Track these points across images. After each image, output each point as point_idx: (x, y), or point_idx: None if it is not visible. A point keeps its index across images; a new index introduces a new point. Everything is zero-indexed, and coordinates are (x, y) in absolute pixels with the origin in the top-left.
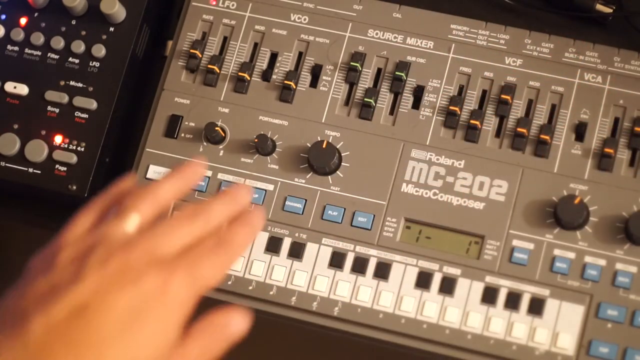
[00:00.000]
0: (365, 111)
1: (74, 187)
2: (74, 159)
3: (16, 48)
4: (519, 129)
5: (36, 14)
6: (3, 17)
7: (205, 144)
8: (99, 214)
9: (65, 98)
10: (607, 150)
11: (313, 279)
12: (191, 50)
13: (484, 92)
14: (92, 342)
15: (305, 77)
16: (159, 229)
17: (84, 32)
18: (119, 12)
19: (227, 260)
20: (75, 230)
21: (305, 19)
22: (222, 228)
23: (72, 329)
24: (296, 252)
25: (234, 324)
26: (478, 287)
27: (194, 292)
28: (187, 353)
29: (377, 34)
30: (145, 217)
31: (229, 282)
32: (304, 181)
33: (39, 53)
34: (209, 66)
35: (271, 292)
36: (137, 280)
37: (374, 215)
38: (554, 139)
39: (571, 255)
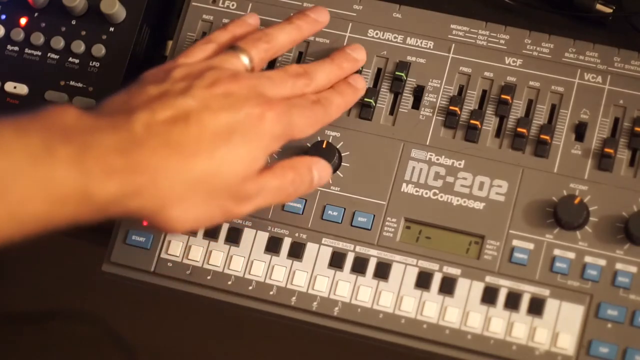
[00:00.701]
0: (365, 111)
1: None
2: None
3: (16, 48)
4: (519, 129)
5: (36, 14)
6: (3, 17)
7: None
8: (215, 48)
9: (65, 98)
10: (607, 150)
11: (313, 279)
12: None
13: (484, 92)
14: (184, 146)
15: None
16: (266, 74)
17: (84, 32)
18: (119, 12)
19: (321, 119)
20: (191, 56)
21: None
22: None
23: (171, 131)
24: (296, 252)
25: (318, 170)
26: (478, 287)
27: (284, 133)
28: (262, 183)
29: (377, 34)
30: (256, 60)
31: (229, 282)
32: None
33: (39, 53)
34: None
35: (271, 292)
36: (239, 105)
37: (374, 215)
38: (554, 139)
39: (571, 255)
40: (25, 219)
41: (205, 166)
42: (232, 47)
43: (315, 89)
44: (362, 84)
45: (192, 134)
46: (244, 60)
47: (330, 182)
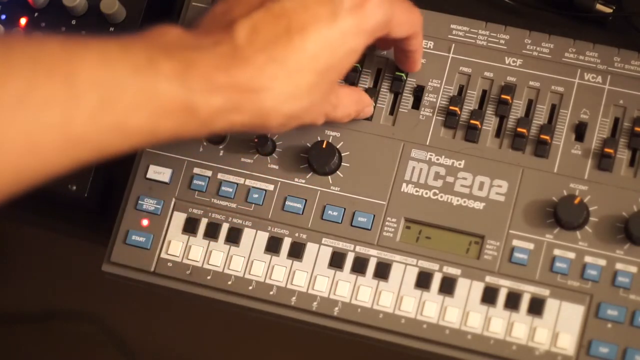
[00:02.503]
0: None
1: (74, 187)
2: None
3: None
4: (519, 129)
5: (36, 14)
6: (3, 17)
7: (205, 144)
8: None
9: None
10: (607, 150)
11: (313, 279)
12: None
13: (484, 92)
14: (288, 60)
15: None
16: None
17: (84, 32)
18: (119, 12)
19: (417, 24)
20: None
21: None
22: None
23: (273, 43)
24: (296, 252)
25: (368, 104)
26: (478, 287)
27: (384, 22)
28: (343, 97)
29: None
30: None
31: (229, 282)
32: (304, 181)
33: None
34: None
35: (271, 292)
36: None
37: (374, 215)
38: (554, 139)
39: (571, 255)
40: (131, 131)
41: (309, 78)
42: None
43: None
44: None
45: (295, 45)
46: None
47: (330, 182)
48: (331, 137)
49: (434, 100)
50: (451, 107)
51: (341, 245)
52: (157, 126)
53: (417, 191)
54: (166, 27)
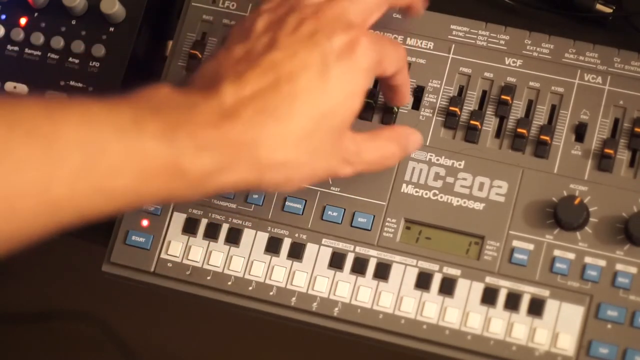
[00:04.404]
0: (366, 111)
1: None
2: None
3: (16, 48)
4: (519, 130)
5: (36, 14)
6: (3, 17)
7: None
8: None
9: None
10: (607, 151)
11: (313, 279)
12: (191, 51)
13: (484, 92)
14: (278, 109)
15: None
16: None
17: (84, 32)
18: (119, 12)
19: (403, 59)
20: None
21: None
22: None
23: (261, 95)
24: (296, 252)
25: (413, 138)
26: (478, 288)
27: (377, 63)
28: (361, 146)
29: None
30: None
31: (229, 283)
32: None
33: (39, 53)
34: None
35: (271, 293)
36: (327, 40)
37: (374, 216)
38: (554, 139)
39: (571, 256)
40: (114, 193)
41: (302, 125)
42: None
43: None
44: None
45: (284, 94)
46: None
47: (330, 182)
48: None
49: (434, 100)
50: (451, 108)
51: (341, 245)
52: (143, 188)
53: (417, 192)
54: (155, 88)
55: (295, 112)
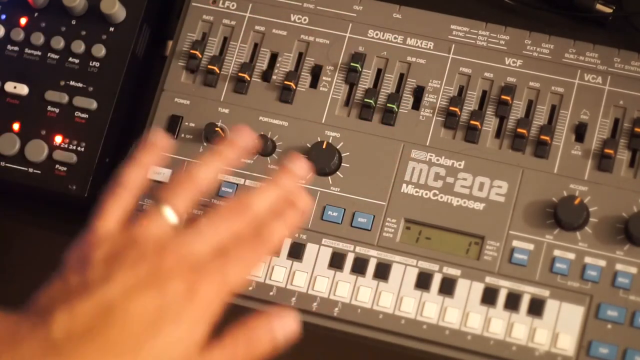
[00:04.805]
0: (365, 112)
1: (74, 187)
2: (74, 159)
3: (16, 48)
4: (519, 130)
5: (36, 14)
6: (3, 17)
7: (205, 144)
8: (131, 198)
9: (65, 98)
10: (607, 151)
11: (313, 279)
12: (191, 51)
13: (484, 92)
14: (109, 347)
15: (305, 77)
16: (196, 227)
17: (84, 32)
18: (119, 12)
19: (260, 259)
20: (108, 221)
21: (305, 20)
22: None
23: (93, 331)
24: (296, 252)
25: (281, 326)
26: (478, 288)
27: (223, 295)
28: (212, 358)
29: (377, 34)
30: (182, 210)
31: None
32: (304, 181)
33: (39, 53)
34: (209, 67)
35: (271, 293)
36: (164, 284)
37: (374, 216)
38: (554, 139)
39: (571, 256)
40: None
41: (132, 356)
42: (155, 201)
43: (257, 215)
44: (307, 203)
45: (116, 331)
46: (169, 216)
47: (330, 182)
48: (331, 138)
49: (434, 100)
50: (451, 108)
51: (341, 245)
52: None
53: (417, 192)
54: None
55: (127, 354)
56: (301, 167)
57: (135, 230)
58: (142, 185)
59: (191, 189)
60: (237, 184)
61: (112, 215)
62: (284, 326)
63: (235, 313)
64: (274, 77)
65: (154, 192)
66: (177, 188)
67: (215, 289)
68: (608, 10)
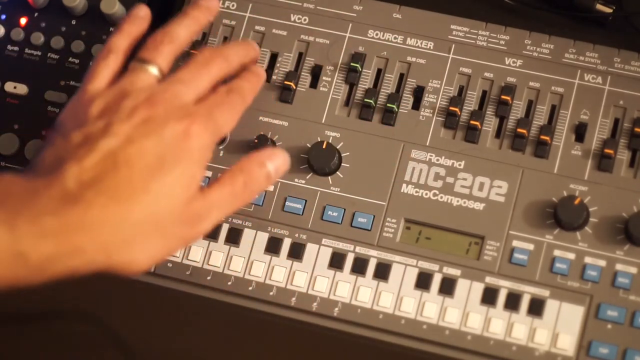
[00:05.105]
0: (365, 112)
1: None
2: None
3: (16, 48)
4: (519, 130)
5: (36, 14)
6: (3, 17)
7: None
8: (118, 59)
9: (65, 98)
10: (607, 151)
11: (313, 279)
12: (192, 51)
13: (484, 92)
14: (118, 191)
15: (306, 77)
16: (178, 77)
17: (84, 32)
18: (119, 12)
19: (240, 107)
20: (97, 77)
21: (305, 20)
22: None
23: (102, 179)
24: (296, 252)
25: (272, 161)
26: (478, 288)
27: (214, 136)
28: (210, 198)
29: (377, 34)
30: (164, 65)
31: (229, 283)
32: (304, 182)
33: (39, 53)
34: None
35: (271, 293)
36: (161, 129)
37: (374, 216)
38: (554, 139)
39: (571, 256)
40: None
41: (144, 204)
42: (137, 59)
43: (233, 68)
44: (262, 71)
45: (123, 176)
46: (153, 71)
47: (330, 182)
48: (331, 138)
49: (434, 100)
50: (451, 108)
51: (341, 245)
52: None
53: (417, 192)
54: None
55: (136, 194)
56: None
57: (124, 86)
58: (128, 51)
59: (170, 45)
60: None
61: (101, 76)
62: (276, 161)
63: (236, 313)
64: (274, 77)
65: (136, 53)
66: (158, 46)
67: (206, 131)
68: (608, 10)
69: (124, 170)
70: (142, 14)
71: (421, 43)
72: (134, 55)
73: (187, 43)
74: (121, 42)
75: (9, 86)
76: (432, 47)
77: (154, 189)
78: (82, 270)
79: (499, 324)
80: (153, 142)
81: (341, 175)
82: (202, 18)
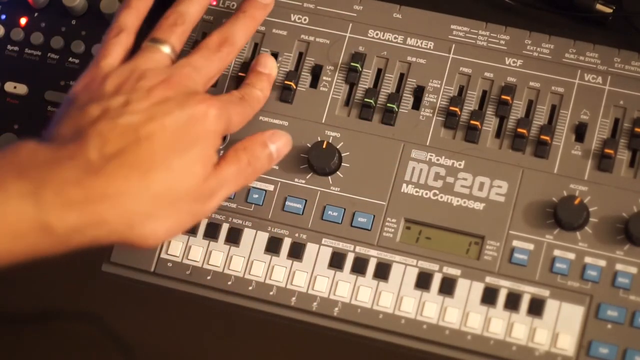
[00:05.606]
0: (365, 111)
1: None
2: None
3: (16, 48)
4: (519, 130)
5: (36, 14)
6: (3, 17)
7: None
8: (129, 37)
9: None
10: (607, 151)
11: (313, 279)
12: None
13: (484, 92)
14: (140, 164)
15: (306, 77)
16: (191, 62)
17: (84, 32)
18: None
19: (249, 114)
20: (110, 54)
21: (305, 20)
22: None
23: (124, 151)
24: (296, 252)
25: (274, 142)
26: (478, 288)
27: (225, 128)
28: (221, 176)
29: (377, 34)
30: (177, 45)
31: (229, 283)
32: (304, 181)
33: (39, 53)
34: None
35: (271, 293)
36: (180, 108)
37: (374, 216)
38: (554, 139)
39: (571, 256)
40: None
41: (164, 178)
42: (151, 39)
43: (239, 49)
44: (273, 68)
45: (144, 150)
46: (166, 51)
47: (330, 182)
48: (331, 137)
49: (434, 100)
50: (451, 108)
51: (341, 245)
52: (13, 248)
53: (417, 192)
54: (20, 144)
55: (157, 167)
56: (263, 6)
57: (138, 65)
58: (137, 28)
59: (182, 25)
60: None
61: (115, 53)
62: (278, 142)
63: (236, 313)
64: None
65: (149, 33)
66: (171, 26)
67: (222, 118)
68: (608, 10)
69: (145, 145)
70: None
71: (421, 43)
72: (145, 34)
73: (199, 19)
74: (130, 19)
75: (9, 86)
76: (432, 47)
77: (174, 165)
78: (104, 241)
79: (499, 324)
80: (173, 120)
81: (341, 175)
82: None
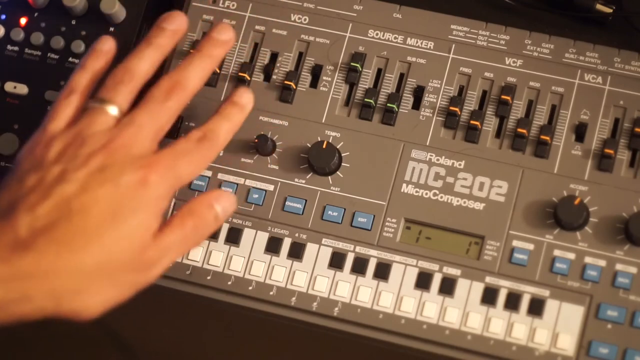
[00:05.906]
0: (365, 111)
1: None
2: None
3: (16, 48)
4: (519, 130)
5: (36, 14)
6: (3, 17)
7: None
8: (79, 99)
9: None
10: (607, 151)
11: (313, 279)
12: (191, 51)
13: (484, 92)
14: (71, 240)
15: (306, 77)
16: (136, 120)
17: (84, 32)
18: (119, 12)
19: (210, 155)
20: (58, 116)
21: (305, 19)
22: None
23: (55, 226)
24: (296, 252)
25: (220, 203)
26: (478, 288)
27: (172, 187)
28: (162, 244)
29: (377, 34)
30: (124, 104)
31: (229, 283)
32: (304, 181)
33: (39, 53)
34: None
35: (271, 293)
36: (117, 178)
37: (374, 216)
38: (554, 139)
39: (571, 255)
40: None
41: (97, 253)
42: (96, 99)
43: (193, 92)
44: (248, 99)
45: (76, 224)
46: (112, 112)
47: (330, 182)
48: (331, 137)
49: (434, 100)
50: (451, 108)
51: (341, 245)
52: None
53: (417, 192)
54: None
55: (89, 242)
56: (225, 32)
57: (82, 129)
58: (90, 88)
59: (130, 83)
60: (237, 184)
61: (62, 116)
62: (223, 203)
63: (237, 313)
64: (274, 76)
65: (96, 92)
66: (117, 85)
67: (166, 182)
68: (608, 10)
69: (77, 219)
70: (106, 48)
71: (421, 43)
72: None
73: (149, 75)
74: (83, 79)
75: (9, 86)
76: (432, 47)
77: (108, 239)
78: (31, 317)
79: (499, 324)
80: (108, 190)
81: (341, 175)
82: (167, 44)
